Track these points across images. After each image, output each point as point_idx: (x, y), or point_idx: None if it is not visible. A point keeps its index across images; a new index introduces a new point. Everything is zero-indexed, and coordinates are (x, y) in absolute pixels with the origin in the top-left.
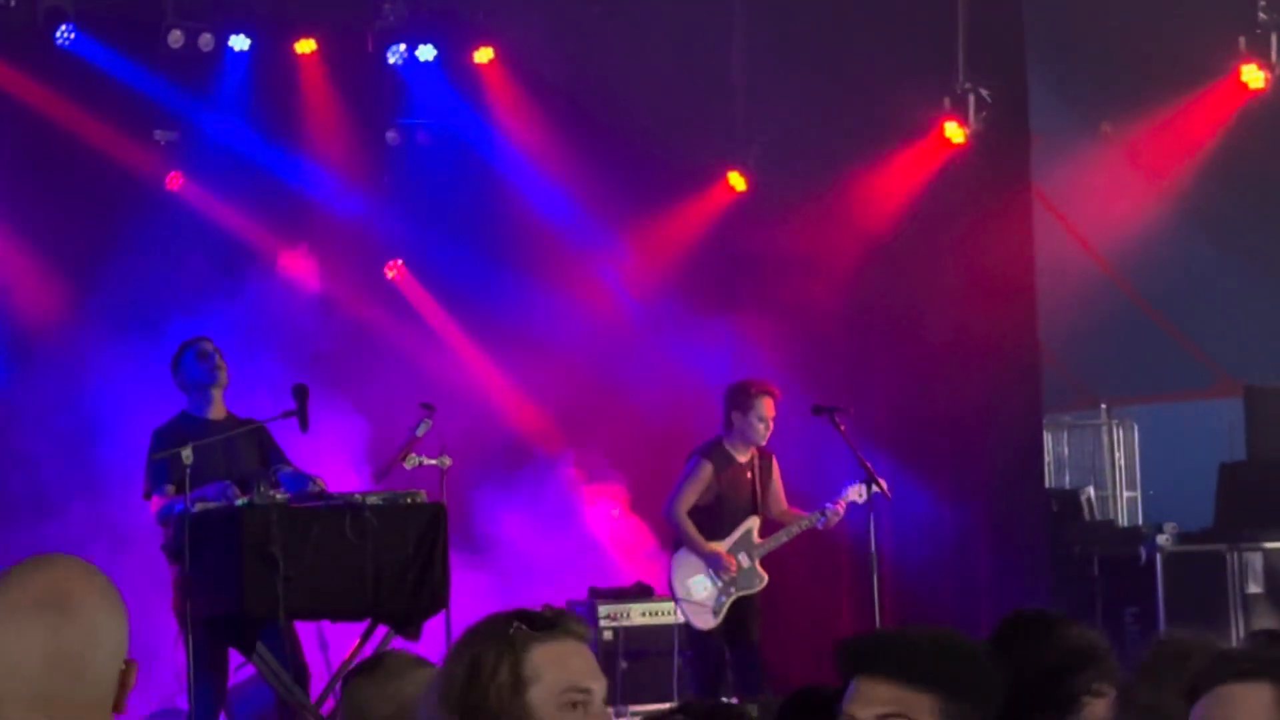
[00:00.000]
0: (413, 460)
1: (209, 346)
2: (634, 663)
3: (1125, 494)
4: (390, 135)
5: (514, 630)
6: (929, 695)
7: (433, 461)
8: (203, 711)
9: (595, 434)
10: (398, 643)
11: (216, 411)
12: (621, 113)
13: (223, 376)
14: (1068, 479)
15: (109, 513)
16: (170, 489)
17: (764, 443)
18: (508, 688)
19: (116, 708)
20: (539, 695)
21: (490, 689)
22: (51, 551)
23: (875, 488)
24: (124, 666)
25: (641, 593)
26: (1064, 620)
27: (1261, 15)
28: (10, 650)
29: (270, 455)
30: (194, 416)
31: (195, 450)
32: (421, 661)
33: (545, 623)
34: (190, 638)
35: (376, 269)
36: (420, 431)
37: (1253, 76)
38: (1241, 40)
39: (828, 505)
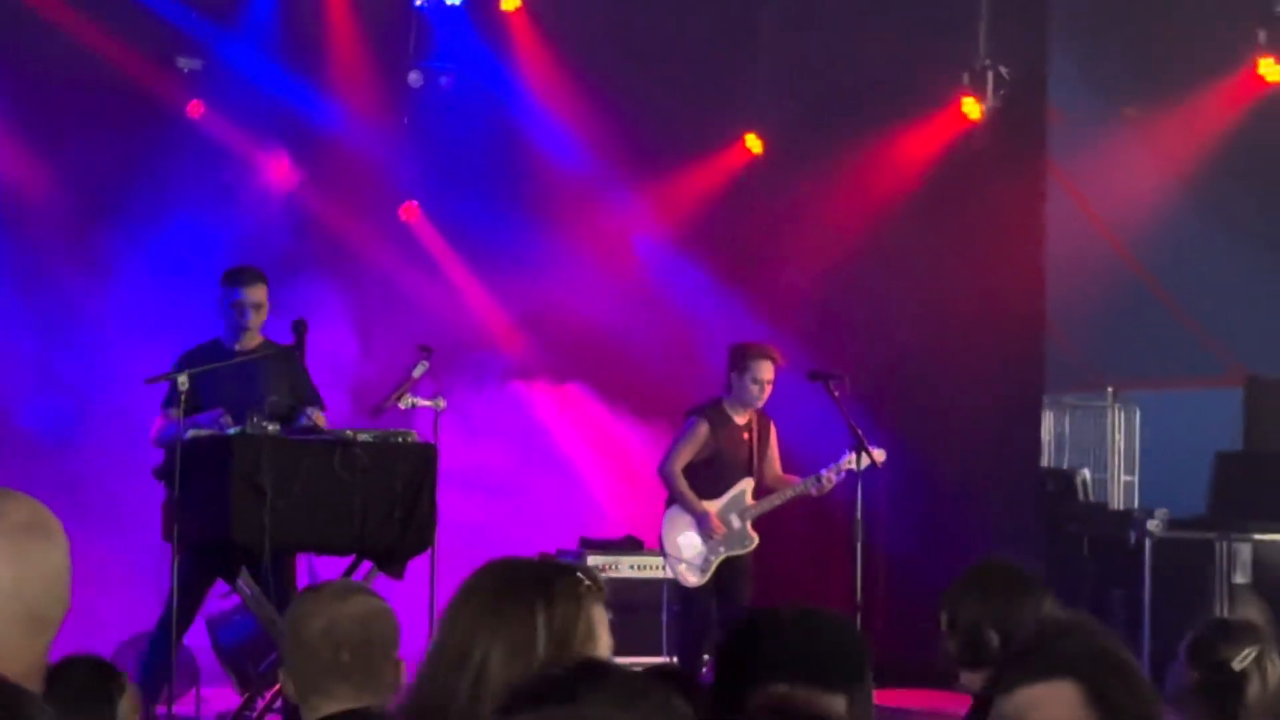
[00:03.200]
0: (407, 401)
1: (247, 302)
2: (621, 615)
3: (1123, 478)
4: (413, 77)
5: (585, 589)
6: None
7: (427, 403)
8: (160, 633)
9: (598, 385)
10: (382, 580)
11: (246, 343)
12: (645, 69)
13: (249, 333)
14: (1067, 460)
15: (95, 447)
16: (174, 412)
17: (759, 405)
18: (584, 644)
19: None
20: (602, 651)
21: (573, 646)
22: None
23: (867, 456)
24: None
25: (631, 546)
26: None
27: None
28: (10, 573)
29: (298, 386)
30: (222, 345)
31: (215, 377)
32: (365, 589)
33: (599, 586)
34: (177, 561)
35: (390, 208)
36: (417, 373)
37: (1270, 70)
38: (1261, 33)
39: (822, 471)
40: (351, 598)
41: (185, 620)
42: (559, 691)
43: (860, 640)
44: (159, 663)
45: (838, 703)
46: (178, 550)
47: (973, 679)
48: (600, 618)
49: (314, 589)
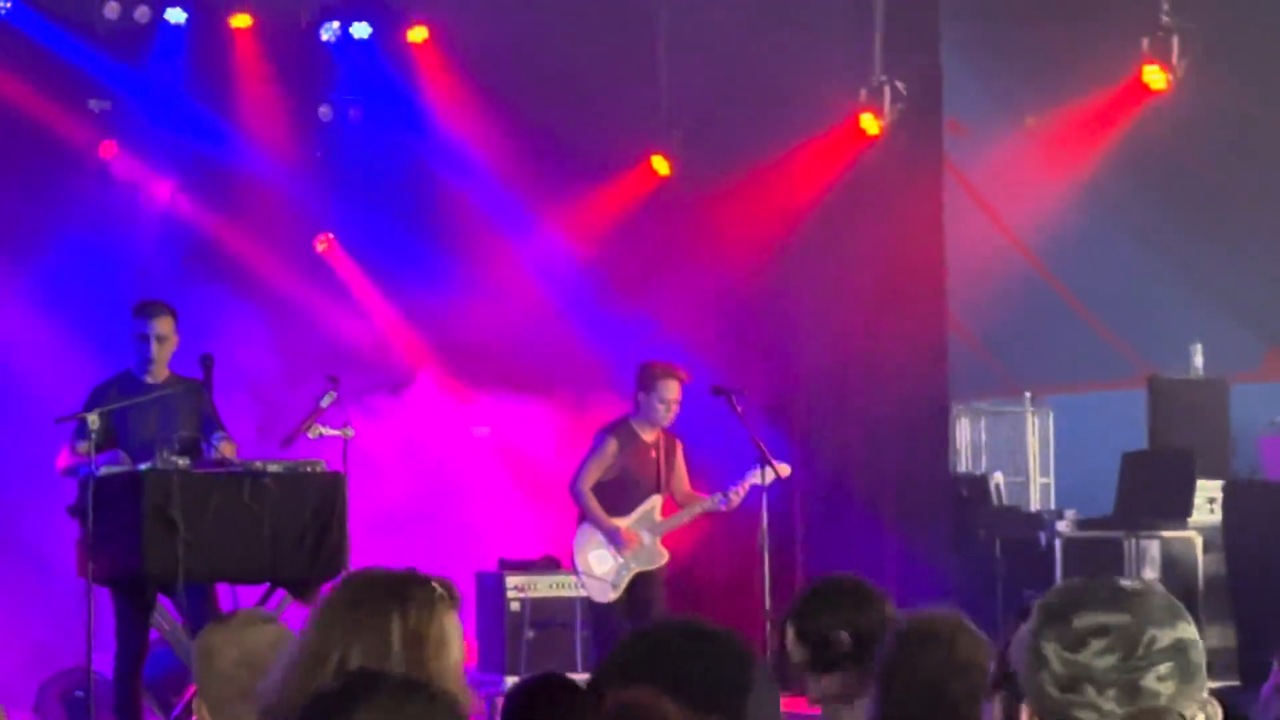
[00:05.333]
0: (316, 431)
1: (150, 332)
2: (540, 633)
3: (1040, 480)
4: (323, 111)
5: (439, 597)
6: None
7: (335, 432)
8: (123, 669)
9: (509, 409)
10: (294, 607)
11: (155, 375)
12: (550, 96)
13: (155, 365)
14: (984, 465)
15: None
16: (82, 446)
17: (666, 424)
18: (438, 649)
19: None
20: (455, 657)
21: (426, 650)
22: None
23: (771, 470)
24: None
25: (549, 565)
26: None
27: (1164, 18)
28: None
29: (204, 420)
30: (134, 377)
31: (129, 412)
32: (271, 618)
33: (453, 596)
34: (92, 598)
35: (305, 241)
36: (325, 403)
37: (1154, 78)
38: (1145, 41)
39: (730, 488)
40: (260, 625)
41: (139, 654)
42: (334, 706)
43: (739, 664)
44: (122, 704)
45: None
46: (90, 587)
47: (829, 682)
48: (453, 625)
49: (222, 620)
